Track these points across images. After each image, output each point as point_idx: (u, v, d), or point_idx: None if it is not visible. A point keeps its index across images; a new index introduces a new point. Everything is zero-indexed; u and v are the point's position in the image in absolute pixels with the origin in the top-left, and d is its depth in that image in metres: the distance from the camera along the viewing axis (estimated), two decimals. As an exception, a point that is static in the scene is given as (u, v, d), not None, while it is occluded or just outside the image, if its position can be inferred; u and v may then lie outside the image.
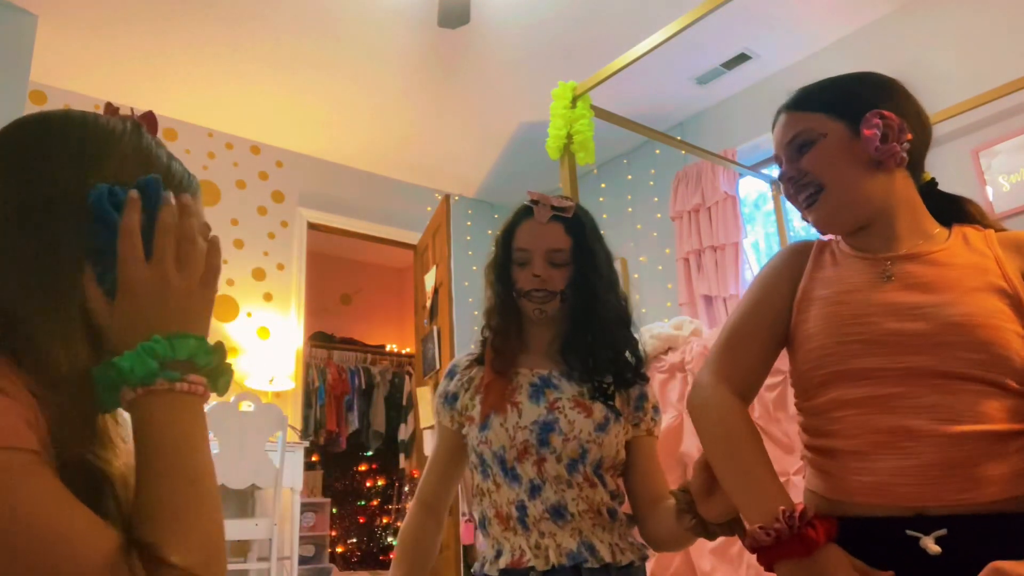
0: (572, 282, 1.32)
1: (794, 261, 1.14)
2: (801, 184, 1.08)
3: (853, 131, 1.06)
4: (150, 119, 0.72)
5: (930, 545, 0.85)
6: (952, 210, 1.11)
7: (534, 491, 1.21)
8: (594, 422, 1.24)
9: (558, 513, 1.19)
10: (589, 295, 1.32)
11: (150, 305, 0.61)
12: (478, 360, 1.37)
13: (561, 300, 1.32)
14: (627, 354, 1.34)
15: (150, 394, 0.58)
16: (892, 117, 1.05)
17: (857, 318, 0.99)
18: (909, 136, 1.05)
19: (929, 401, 0.91)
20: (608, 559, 1.17)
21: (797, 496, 1.05)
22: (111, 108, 0.70)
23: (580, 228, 1.36)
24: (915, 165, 1.09)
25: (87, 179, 0.62)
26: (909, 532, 0.88)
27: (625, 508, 1.31)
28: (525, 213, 1.37)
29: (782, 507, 0.88)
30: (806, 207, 1.09)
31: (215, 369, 0.65)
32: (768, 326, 1.10)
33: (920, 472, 0.89)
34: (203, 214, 0.72)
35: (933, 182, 1.14)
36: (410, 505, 1.36)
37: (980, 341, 0.91)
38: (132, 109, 0.72)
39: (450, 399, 1.36)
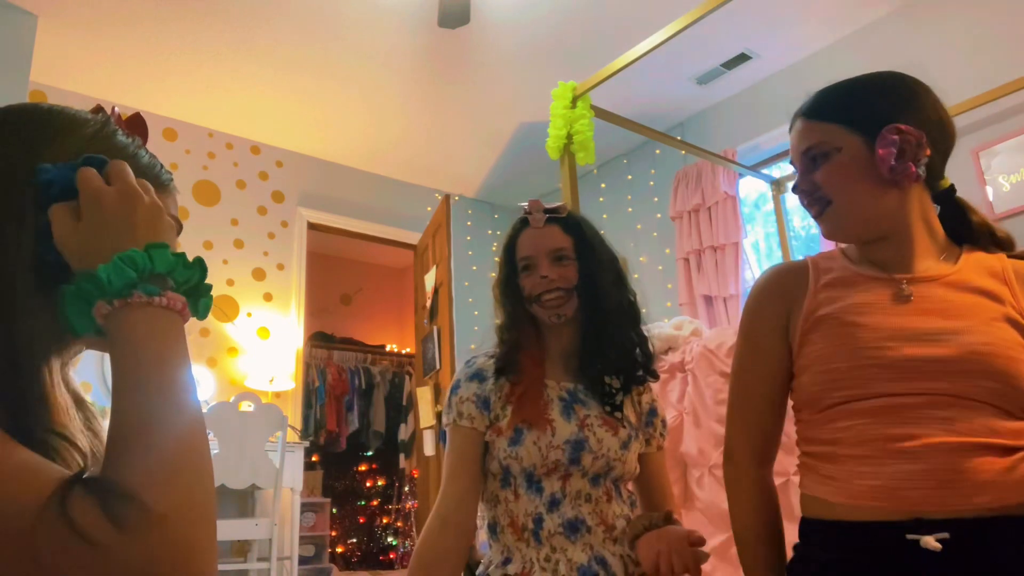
0: (582, 278, 1.32)
1: (781, 288, 1.11)
2: (813, 197, 1.07)
3: (869, 146, 1.03)
4: (135, 120, 0.71)
5: (931, 542, 0.86)
6: (962, 222, 1.10)
7: (553, 505, 1.21)
8: (619, 440, 1.26)
9: (573, 528, 1.19)
10: (596, 290, 1.32)
11: (121, 216, 0.58)
12: (502, 365, 1.31)
13: (578, 297, 1.31)
14: (637, 352, 1.34)
15: (127, 307, 0.55)
16: (910, 132, 1.01)
17: (874, 341, 0.97)
18: (928, 152, 1.02)
19: (943, 414, 0.92)
20: (620, 574, 1.18)
21: (795, 497, 1.07)
22: (98, 109, 0.69)
23: (578, 226, 1.37)
24: (933, 175, 1.07)
25: (38, 160, 0.60)
26: (909, 536, 0.88)
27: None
28: (521, 224, 1.38)
29: None
30: (815, 218, 1.09)
31: (194, 288, 0.60)
32: (770, 375, 1.10)
33: (926, 476, 0.90)
34: (174, 208, 0.71)
35: (952, 189, 1.12)
36: (428, 521, 1.24)
37: (998, 371, 0.92)
38: (114, 108, 0.71)
39: (485, 403, 1.28)
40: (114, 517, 0.46)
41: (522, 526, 1.21)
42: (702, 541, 1.13)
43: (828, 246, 1.17)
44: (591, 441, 1.23)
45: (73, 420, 0.62)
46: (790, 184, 1.16)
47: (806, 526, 1.04)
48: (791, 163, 1.14)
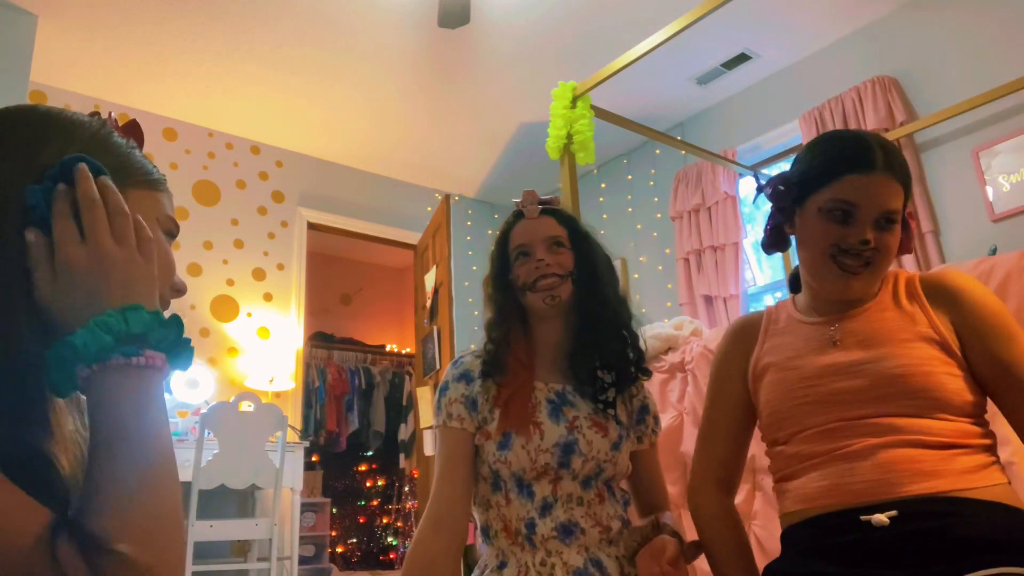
0: (578, 266, 1.32)
1: (741, 339, 1.24)
2: (865, 255, 1.06)
3: (902, 221, 1.10)
4: (131, 126, 0.71)
5: (880, 518, 0.93)
6: None
7: (545, 509, 1.19)
8: (609, 441, 1.25)
9: (567, 531, 1.18)
10: (592, 280, 1.32)
11: (93, 280, 0.59)
12: (489, 368, 1.30)
13: (572, 282, 1.30)
14: (629, 349, 1.33)
15: (105, 370, 0.56)
16: (911, 215, 1.12)
17: (804, 380, 1.08)
18: None
19: (877, 428, 1.00)
20: (615, 574, 1.18)
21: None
22: (94, 113, 0.69)
23: (571, 219, 1.39)
24: None
25: (34, 165, 0.61)
26: (863, 518, 0.95)
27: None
28: (516, 216, 1.39)
29: None
30: (853, 271, 1.07)
31: (173, 344, 0.61)
32: (731, 414, 1.22)
33: (870, 469, 0.98)
34: (169, 208, 0.71)
35: None
36: (419, 524, 1.22)
37: (914, 389, 1.00)
38: (110, 113, 0.71)
39: (472, 404, 1.27)
40: (99, 571, 0.50)
41: (515, 530, 1.20)
42: (683, 549, 1.15)
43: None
44: (580, 443, 1.21)
45: (72, 422, 0.63)
46: (842, 209, 1.16)
47: (781, 538, 1.11)
48: (841, 201, 1.07)
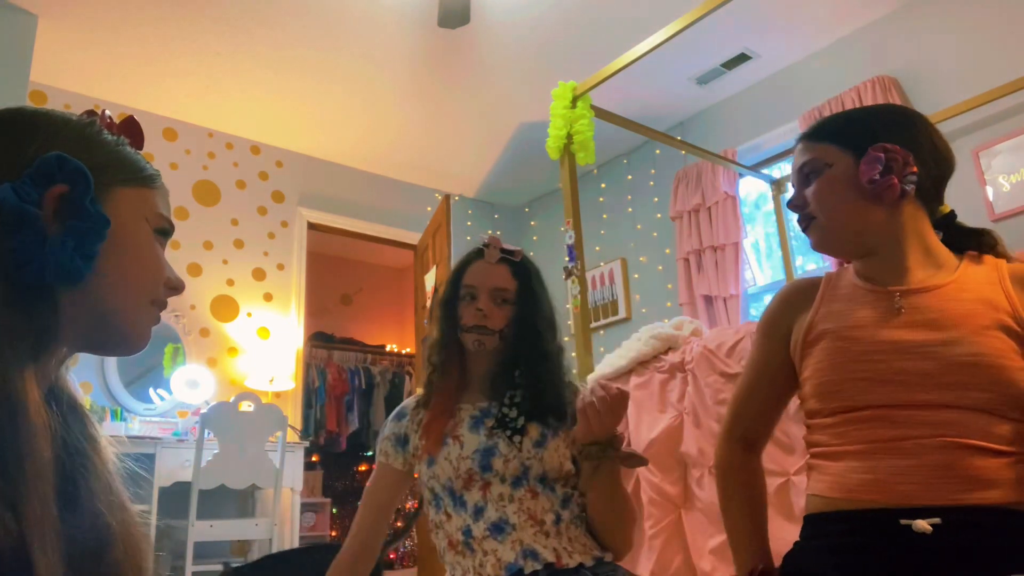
0: (512, 322, 1.36)
1: (792, 302, 1.20)
2: (803, 212, 1.15)
3: (858, 163, 1.08)
4: (127, 123, 0.70)
5: (923, 525, 0.89)
6: (968, 241, 1.12)
7: (477, 513, 1.26)
8: (531, 440, 1.28)
9: (498, 528, 1.23)
10: (533, 335, 1.36)
11: None
12: (424, 401, 1.41)
13: (500, 338, 1.36)
14: (551, 395, 1.34)
15: None
16: (896, 150, 1.05)
17: (865, 355, 1.02)
18: (914, 169, 1.05)
19: (935, 419, 0.95)
20: (551, 559, 1.19)
21: (795, 496, 1.09)
22: (91, 112, 0.69)
23: (526, 272, 1.42)
24: (928, 196, 1.10)
25: (16, 166, 0.60)
26: (903, 521, 0.91)
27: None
28: (476, 254, 1.44)
29: (753, 567, 1.07)
30: (803, 231, 1.16)
31: None
32: (770, 376, 1.19)
33: (919, 471, 0.93)
34: (161, 205, 0.70)
35: (952, 215, 1.15)
36: (345, 541, 1.41)
37: (988, 381, 0.94)
38: (103, 111, 0.70)
39: (402, 441, 1.41)
40: None
41: (457, 541, 1.27)
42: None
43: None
44: (500, 446, 1.27)
45: (53, 433, 0.58)
46: (790, 185, 1.19)
47: (807, 520, 1.07)
48: (792, 184, 1.20)
